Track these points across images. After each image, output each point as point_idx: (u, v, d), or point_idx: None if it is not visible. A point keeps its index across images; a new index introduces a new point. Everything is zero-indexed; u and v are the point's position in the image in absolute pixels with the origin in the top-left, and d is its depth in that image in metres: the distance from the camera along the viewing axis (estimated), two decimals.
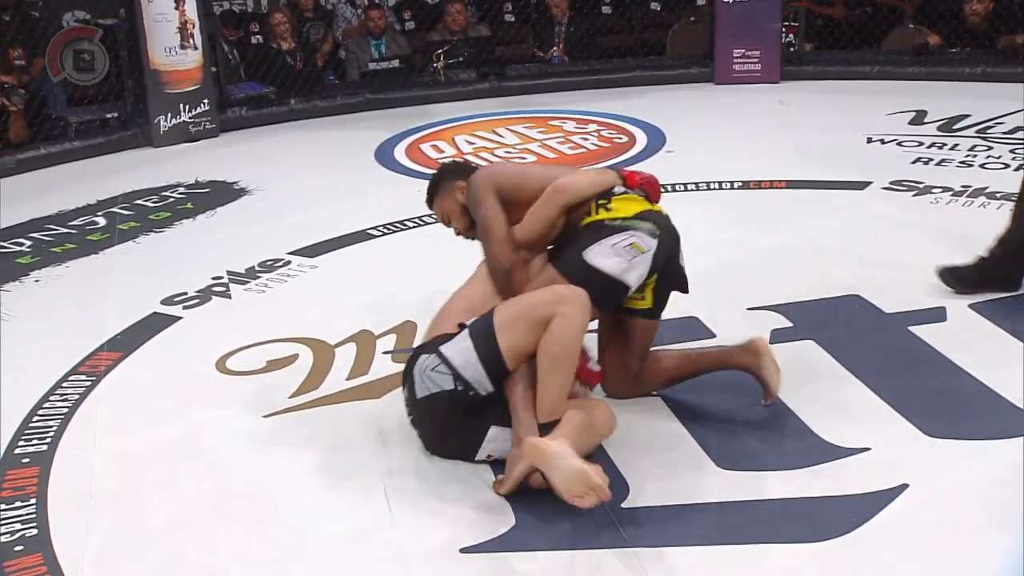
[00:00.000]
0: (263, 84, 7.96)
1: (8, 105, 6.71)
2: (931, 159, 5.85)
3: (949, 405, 3.19)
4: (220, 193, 5.98)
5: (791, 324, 3.77)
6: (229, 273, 4.61)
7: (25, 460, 3.14)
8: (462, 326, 2.94)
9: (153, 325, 4.10)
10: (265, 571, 2.60)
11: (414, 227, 5.13)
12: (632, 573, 2.50)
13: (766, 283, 4.13)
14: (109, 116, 7.35)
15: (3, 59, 7.05)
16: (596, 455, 2.89)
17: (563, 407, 2.80)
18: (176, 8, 7.06)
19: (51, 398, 3.53)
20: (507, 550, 2.60)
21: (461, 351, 2.85)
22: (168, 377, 3.65)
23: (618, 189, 3.12)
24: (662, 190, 3.25)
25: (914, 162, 5.80)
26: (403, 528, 2.71)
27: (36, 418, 3.39)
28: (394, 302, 4.14)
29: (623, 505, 2.75)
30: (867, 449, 2.96)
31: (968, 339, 3.60)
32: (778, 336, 3.63)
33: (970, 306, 3.83)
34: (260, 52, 8.17)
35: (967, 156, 5.83)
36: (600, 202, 3.08)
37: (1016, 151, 5.80)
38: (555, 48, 8.86)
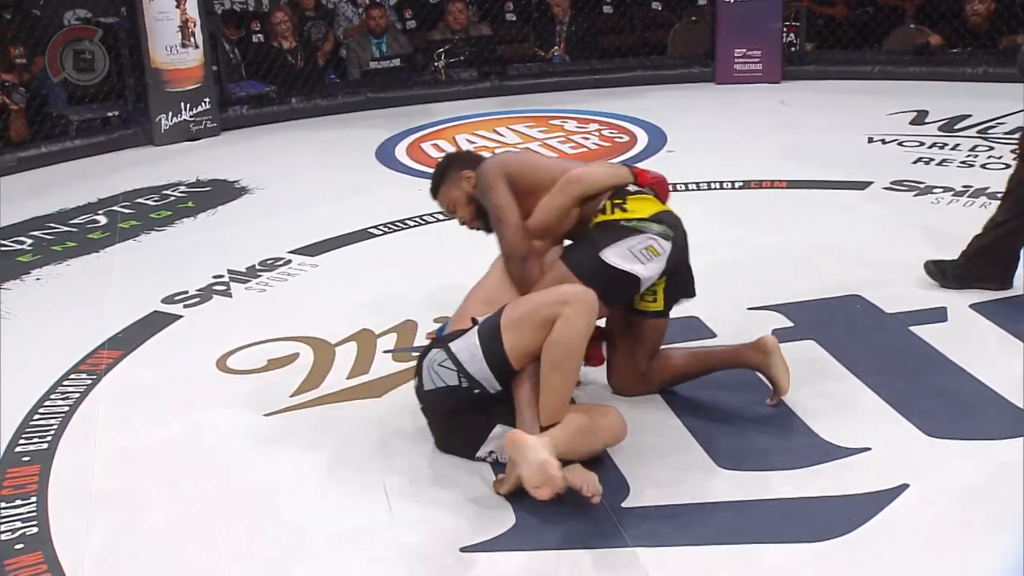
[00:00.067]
0: (264, 83, 7.96)
1: (9, 103, 6.70)
2: (932, 159, 5.85)
3: (949, 405, 3.19)
4: (221, 192, 5.98)
5: (792, 324, 3.77)
6: (230, 272, 4.61)
7: (26, 458, 3.14)
8: (474, 321, 2.94)
9: (154, 324, 4.10)
10: (265, 570, 2.60)
11: (415, 226, 5.13)
12: (632, 573, 2.50)
13: (767, 283, 4.14)
14: (110, 115, 7.35)
15: (4, 57, 7.05)
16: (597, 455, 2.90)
17: (564, 410, 2.80)
18: (177, 7, 7.06)
19: (52, 396, 3.53)
20: (507, 550, 2.60)
21: (467, 348, 2.86)
22: (169, 376, 3.65)
23: (631, 188, 3.13)
24: (670, 190, 3.26)
25: (915, 162, 5.80)
26: (403, 527, 2.71)
27: (37, 416, 3.39)
28: (395, 301, 4.14)
29: (623, 504, 2.75)
30: (867, 449, 2.96)
31: (969, 339, 3.60)
32: (779, 336, 3.60)
33: (971, 306, 3.83)
34: (261, 51, 8.17)
35: (968, 156, 5.83)
36: (616, 201, 3.07)
37: (1017, 151, 5.79)
38: (556, 47, 8.86)
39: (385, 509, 2.79)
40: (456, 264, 4.40)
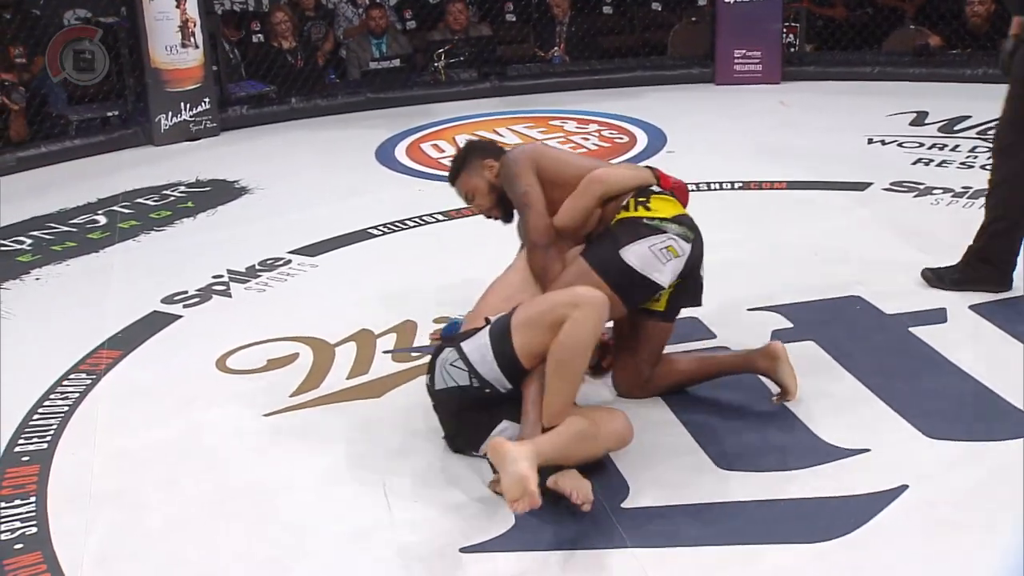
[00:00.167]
0: (264, 83, 7.95)
1: (9, 103, 6.70)
2: (932, 160, 5.85)
3: (949, 406, 3.19)
4: (221, 192, 5.98)
5: (791, 325, 3.77)
6: (229, 272, 4.61)
7: (25, 458, 3.14)
8: (487, 321, 2.94)
9: (153, 324, 4.10)
10: (265, 570, 2.60)
11: (415, 226, 5.13)
12: (632, 573, 2.50)
13: (766, 284, 4.14)
14: (110, 114, 7.34)
15: (4, 57, 7.05)
16: None
17: (567, 412, 2.78)
18: (177, 7, 7.05)
19: (51, 396, 3.53)
20: (507, 550, 2.60)
21: (479, 348, 2.86)
22: (168, 376, 3.65)
23: (655, 188, 3.14)
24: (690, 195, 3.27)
25: (915, 163, 5.81)
26: (403, 527, 2.71)
27: (36, 416, 3.39)
28: (394, 301, 4.13)
29: (623, 505, 2.75)
30: (867, 450, 2.96)
31: (968, 340, 3.60)
32: (778, 337, 3.62)
33: (970, 307, 3.83)
34: (261, 51, 8.17)
35: (968, 157, 5.83)
36: (640, 199, 3.08)
37: (992, 150, 5.80)
38: (556, 48, 8.86)
39: (385, 509, 2.79)
40: (456, 264, 4.42)
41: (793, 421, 3.13)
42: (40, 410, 3.43)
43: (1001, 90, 3.95)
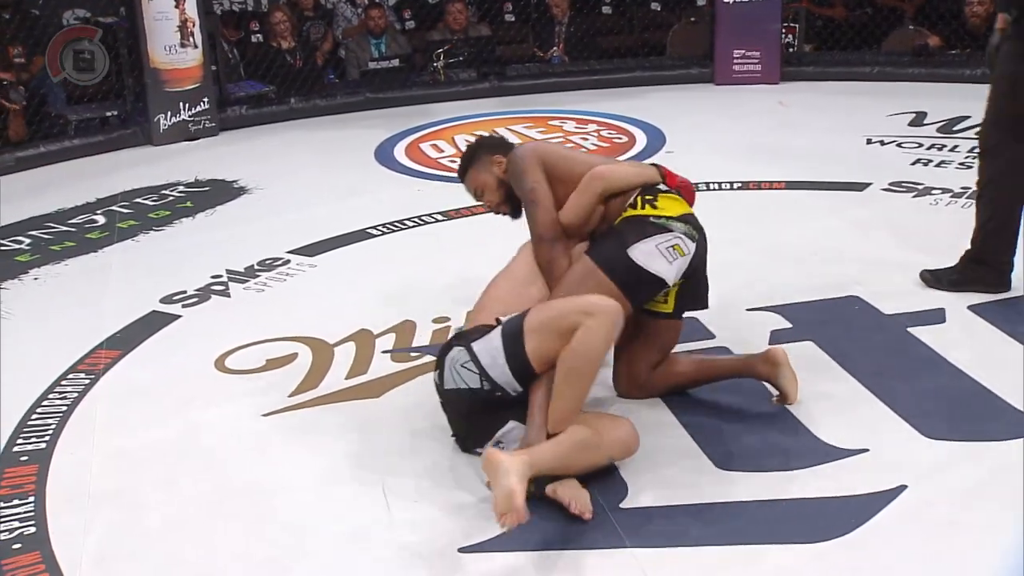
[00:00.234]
0: (263, 83, 7.95)
1: (8, 104, 6.70)
2: (931, 160, 5.85)
3: (948, 406, 3.19)
4: (219, 192, 5.97)
5: (790, 325, 3.77)
6: (228, 272, 4.60)
7: (24, 458, 3.14)
8: (498, 321, 2.93)
9: (152, 323, 4.10)
10: (264, 570, 2.59)
11: (413, 226, 5.13)
12: (630, 573, 2.50)
13: (765, 284, 4.14)
14: (109, 114, 7.34)
15: (3, 57, 7.04)
16: None
17: (573, 419, 2.77)
18: (176, 6, 7.05)
19: (50, 396, 3.53)
20: (506, 550, 2.60)
21: (490, 351, 2.84)
22: (167, 376, 3.65)
23: (661, 187, 3.14)
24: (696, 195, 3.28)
25: (914, 163, 5.81)
26: (402, 527, 2.71)
27: (35, 416, 3.39)
28: (393, 301, 4.13)
29: (621, 505, 2.75)
30: (866, 450, 2.96)
31: (967, 340, 3.60)
32: (777, 337, 3.63)
33: (969, 307, 3.83)
34: (260, 51, 8.17)
35: (967, 158, 5.83)
36: (647, 198, 3.09)
37: (978, 151, 5.81)
38: (555, 48, 8.86)
39: (384, 509, 2.79)
40: (455, 264, 4.42)
41: (792, 422, 3.13)
42: (39, 410, 3.43)
43: None
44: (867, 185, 5.39)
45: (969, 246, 3.96)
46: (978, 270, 3.93)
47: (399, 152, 6.70)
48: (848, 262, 4.33)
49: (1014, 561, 2.46)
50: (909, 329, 3.69)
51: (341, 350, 3.76)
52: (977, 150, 4.00)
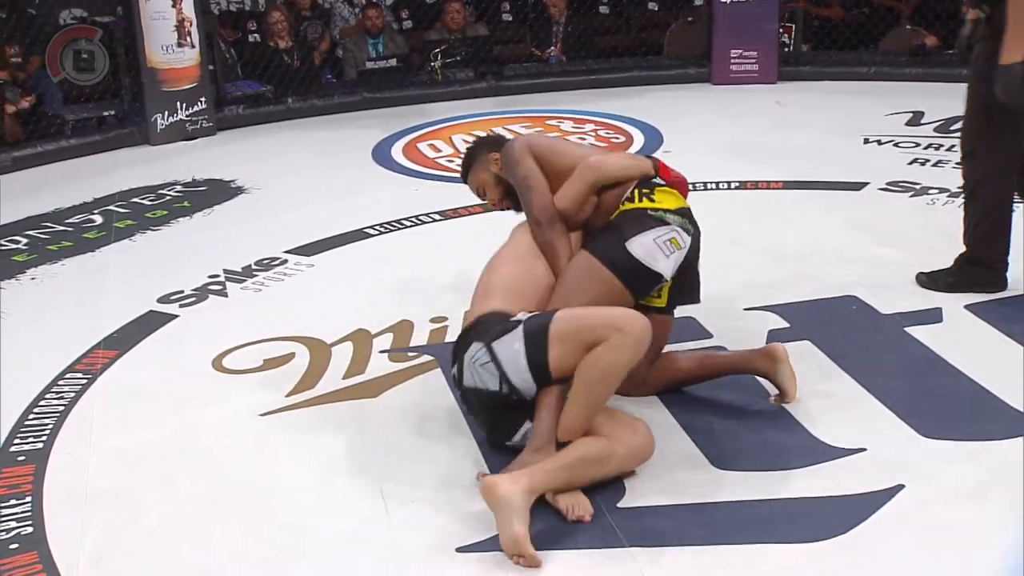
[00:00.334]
0: (260, 83, 7.95)
1: (12, 103, 6.69)
2: (928, 160, 5.85)
3: (945, 406, 3.19)
4: (217, 191, 5.97)
5: (788, 324, 3.77)
6: (226, 271, 4.60)
7: (21, 458, 3.14)
8: (517, 321, 2.85)
9: (149, 323, 4.10)
10: (261, 570, 2.59)
11: (411, 226, 5.13)
12: (628, 573, 2.50)
13: (763, 283, 4.14)
14: (106, 114, 7.35)
15: (0, 56, 7.05)
16: None
17: (582, 431, 2.74)
18: (173, 6, 7.05)
19: (47, 396, 3.52)
20: (504, 550, 2.59)
21: (512, 355, 2.77)
22: (164, 375, 3.65)
23: (658, 180, 3.16)
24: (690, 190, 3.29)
25: (911, 163, 5.81)
26: (400, 527, 2.71)
27: (32, 416, 3.39)
28: (391, 301, 4.13)
29: (619, 505, 2.75)
30: (863, 450, 2.96)
31: (964, 340, 3.60)
32: (775, 336, 3.63)
33: (966, 307, 3.83)
34: (257, 50, 8.17)
35: None
36: (644, 191, 3.10)
37: (960, 151, 5.81)
38: (553, 48, 8.86)
39: (381, 509, 2.79)
40: (452, 264, 4.41)
41: (789, 421, 3.13)
42: (36, 410, 3.43)
43: None
44: (864, 185, 5.40)
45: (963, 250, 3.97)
46: (974, 272, 3.93)
47: (396, 152, 6.70)
48: (845, 262, 4.33)
49: (1013, 561, 2.46)
50: (906, 328, 3.69)
51: (338, 350, 3.75)
52: (960, 153, 3.98)
